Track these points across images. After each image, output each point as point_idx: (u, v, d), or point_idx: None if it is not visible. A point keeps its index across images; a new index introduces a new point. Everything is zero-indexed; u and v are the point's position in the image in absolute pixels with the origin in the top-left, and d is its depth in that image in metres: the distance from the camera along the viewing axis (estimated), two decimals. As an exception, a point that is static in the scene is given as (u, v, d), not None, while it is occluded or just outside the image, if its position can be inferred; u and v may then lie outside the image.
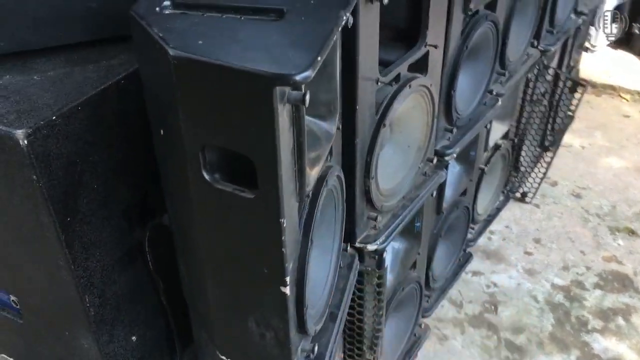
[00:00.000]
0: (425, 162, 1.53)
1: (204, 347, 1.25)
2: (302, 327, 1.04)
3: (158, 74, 0.89)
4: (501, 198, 2.54)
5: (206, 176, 0.91)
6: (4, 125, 1.09)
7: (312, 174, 0.96)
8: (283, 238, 0.90)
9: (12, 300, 1.50)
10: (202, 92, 0.83)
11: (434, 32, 1.35)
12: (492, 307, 2.07)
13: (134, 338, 1.50)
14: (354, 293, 1.47)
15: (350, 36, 1.10)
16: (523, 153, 2.51)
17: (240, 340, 1.10)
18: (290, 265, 0.95)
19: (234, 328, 1.10)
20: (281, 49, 0.81)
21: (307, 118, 1.01)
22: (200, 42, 0.83)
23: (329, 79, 1.02)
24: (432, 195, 1.61)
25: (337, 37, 0.97)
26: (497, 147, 2.22)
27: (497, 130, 2.20)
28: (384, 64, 1.30)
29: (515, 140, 2.38)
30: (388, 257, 1.64)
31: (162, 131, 0.98)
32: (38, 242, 1.25)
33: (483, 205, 2.35)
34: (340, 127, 1.17)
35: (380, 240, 1.38)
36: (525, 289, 2.14)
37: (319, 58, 0.79)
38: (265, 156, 0.83)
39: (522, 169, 2.55)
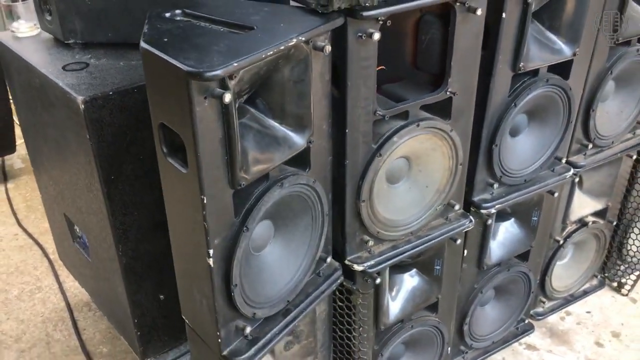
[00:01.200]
0: (445, 206, 1.56)
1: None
2: (230, 302, 1.18)
3: (144, 61, 1.12)
4: (594, 282, 2.36)
5: (163, 149, 1.11)
6: (74, 92, 1.41)
7: (255, 168, 1.11)
8: (204, 213, 1.06)
9: (85, 240, 1.85)
10: (155, 77, 1.04)
11: (458, 81, 1.40)
12: (532, 386, 1.95)
13: (161, 296, 1.74)
14: (342, 309, 1.56)
15: (341, 65, 1.23)
16: (631, 241, 2.31)
17: (190, 303, 1.28)
18: (216, 241, 1.10)
19: (187, 292, 1.28)
20: (217, 54, 0.99)
21: (273, 124, 1.17)
22: (165, 39, 1.04)
23: (300, 95, 1.16)
24: (454, 241, 1.62)
25: (307, 61, 1.11)
26: (583, 223, 2.10)
27: (586, 206, 2.08)
28: (399, 100, 1.39)
29: (615, 223, 2.22)
30: (402, 288, 1.69)
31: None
32: (91, 192, 1.56)
33: (563, 282, 2.23)
34: (327, 145, 1.30)
35: (369, 264, 1.46)
36: (577, 378, 1.98)
37: (236, 64, 0.95)
38: (188, 139, 1.01)
39: (629, 259, 2.34)
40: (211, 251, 1.10)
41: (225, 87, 0.98)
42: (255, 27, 1.09)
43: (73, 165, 1.62)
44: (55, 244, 2.21)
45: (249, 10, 1.17)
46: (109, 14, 1.60)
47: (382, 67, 1.53)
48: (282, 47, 1.03)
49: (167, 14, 1.17)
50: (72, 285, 2.41)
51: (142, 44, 1.02)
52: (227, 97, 0.97)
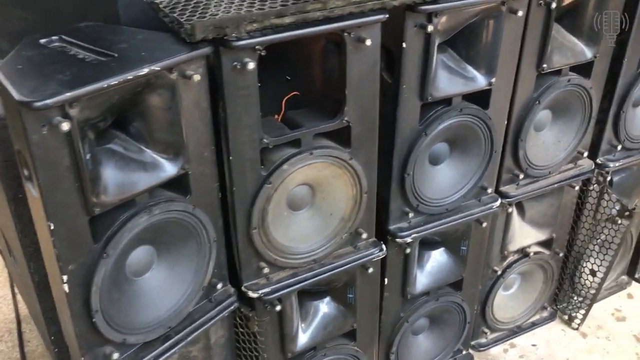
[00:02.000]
0: (352, 235, 1.54)
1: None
2: (94, 328, 1.18)
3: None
4: (544, 314, 2.30)
5: (24, 173, 1.12)
6: (-22, 113, 1.44)
7: (114, 195, 1.11)
8: (52, 239, 1.07)
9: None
10: (6, 104, 1.05)
11: (356, 110, 1.39)
12: (462, 419, 1.91)
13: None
14: (244, 335, 1.55)
15: (220, 93, 1.23)
16: (580, 274, 2.24)
17: (63, 326, 1.28)
18: (70, 267, 1.11)
19: (60, 315, 1.28)
20: (57, 83, 0.99)
21: (143, 149, 1.18)
22: (19, 66, 1.06)
23: (171, 122, 1.17)
24: (367, 270, 1.60)
25: (173, 89, 1.12)
26: (525, 254, 2.05)
27: (529, 236, 2.03)
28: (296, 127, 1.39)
29: (564, 254, 2.16)
30: (315, 316, 1.66)
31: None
32: (5, 210, 1.58)
33: (509, 313, 2.18)
34: (211, 171, 1.30)
35: (265, 291, 1.45)
36: (509, 413, 1.93)
37: (69, 95, 0.96)
38: (31, 166, 1.01)
39: (578, 291, 2.28)
40: (65, 277, 1.11)
41: (66, 116, 0.98)
42: (116, 55, 1.09)
43: (-8, 183, 1.65)
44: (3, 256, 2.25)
45: (122, 38, 1.18)
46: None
47: (296, 92, 1.54)
48: (130, 77, 1.04)
49: (44, 40, 1.18)
50: (24, 296, 2.45)
51: (-6, 72, 1.04)
52: (65, 126, 0.98)
